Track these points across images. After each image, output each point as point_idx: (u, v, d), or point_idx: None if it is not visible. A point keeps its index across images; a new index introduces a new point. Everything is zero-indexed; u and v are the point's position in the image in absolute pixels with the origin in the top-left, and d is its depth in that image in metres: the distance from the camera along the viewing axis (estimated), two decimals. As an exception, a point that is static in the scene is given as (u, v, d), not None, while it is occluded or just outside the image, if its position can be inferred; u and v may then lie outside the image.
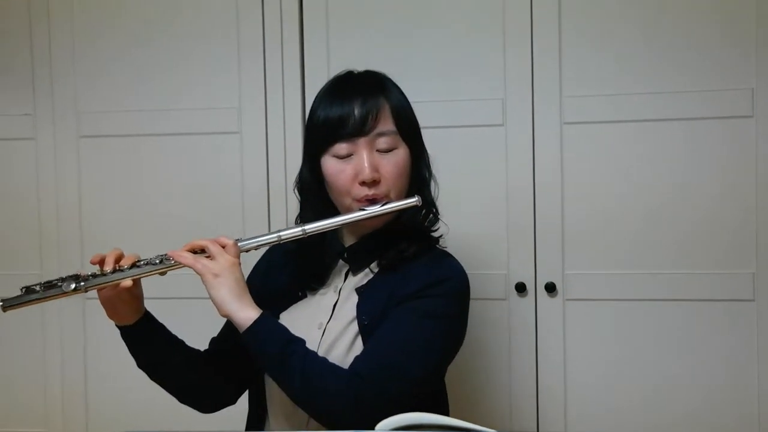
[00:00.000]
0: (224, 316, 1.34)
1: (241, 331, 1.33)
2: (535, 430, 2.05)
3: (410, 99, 1.49)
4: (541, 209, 2.02)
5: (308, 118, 1.48)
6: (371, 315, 1.39)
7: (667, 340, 2.00)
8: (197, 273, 1.34)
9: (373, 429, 0.96)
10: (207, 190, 2.17)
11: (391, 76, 1.51)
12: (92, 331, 2.23)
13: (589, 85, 2.00)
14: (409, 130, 1.45)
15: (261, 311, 1.33)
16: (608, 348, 2.02)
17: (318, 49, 2.11)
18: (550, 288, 2.01)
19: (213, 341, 1.57)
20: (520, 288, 2.02)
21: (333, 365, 1.34)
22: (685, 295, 1.98)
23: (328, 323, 1.43)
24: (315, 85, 2.09)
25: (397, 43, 2.07)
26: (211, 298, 1.33)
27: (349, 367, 1.33)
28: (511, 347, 2.05)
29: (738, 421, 1.97)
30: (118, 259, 1.37)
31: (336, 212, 1.45)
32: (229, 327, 1.53)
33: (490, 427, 1.02)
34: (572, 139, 2.01)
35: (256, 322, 1.32)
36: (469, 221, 2.04)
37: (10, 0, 2.23)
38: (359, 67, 1.53)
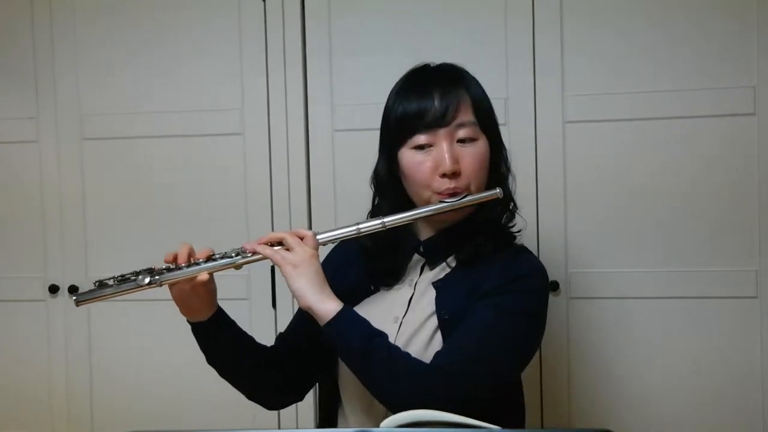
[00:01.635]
0: (304, 308, 1.32)
1: (321, 324, 1.30)
2: (540, 426, 2.05)
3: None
4: (544, 208, 2.02)
5: (385, 112, 1.45)
6: (451, 310, 1.37)
7: (671, 338, 2.00)
8: (276, 264, 1.32)
9: None
10: (210, 191, 2.17)
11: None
12: (97, 333, 2.23)
13: (591, 84, 2.00)
14: (489, 122, 1.43)
15: (342, 304, 1.31)
16: (612, 346, 2.02)
17: (320, 50, 2.10)
18: (554, 286, 2.01)
19: (280, 337, 1.55)
20: (524, 287, 2.02)
21: (416, 360, 1.31)
22: (688, 292, 1.98)
23: (404, 317, 1.41)
24: (317, 87, 2.11)
25: (399, 44, 2.06)
26: (291, 289, 1.31)
27: (431, 362, 1.31)
28: (515, 346, 2.05)
29: (742, 418, 1.98)
30: (191, 254, 1.35)
31: (413, 207, 1.41)
32: (298, 323, 1.51)
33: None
34: (574, 137, 2.01)
35: (338, 314, 1.30)
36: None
37: (12, 3, 2.24)
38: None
